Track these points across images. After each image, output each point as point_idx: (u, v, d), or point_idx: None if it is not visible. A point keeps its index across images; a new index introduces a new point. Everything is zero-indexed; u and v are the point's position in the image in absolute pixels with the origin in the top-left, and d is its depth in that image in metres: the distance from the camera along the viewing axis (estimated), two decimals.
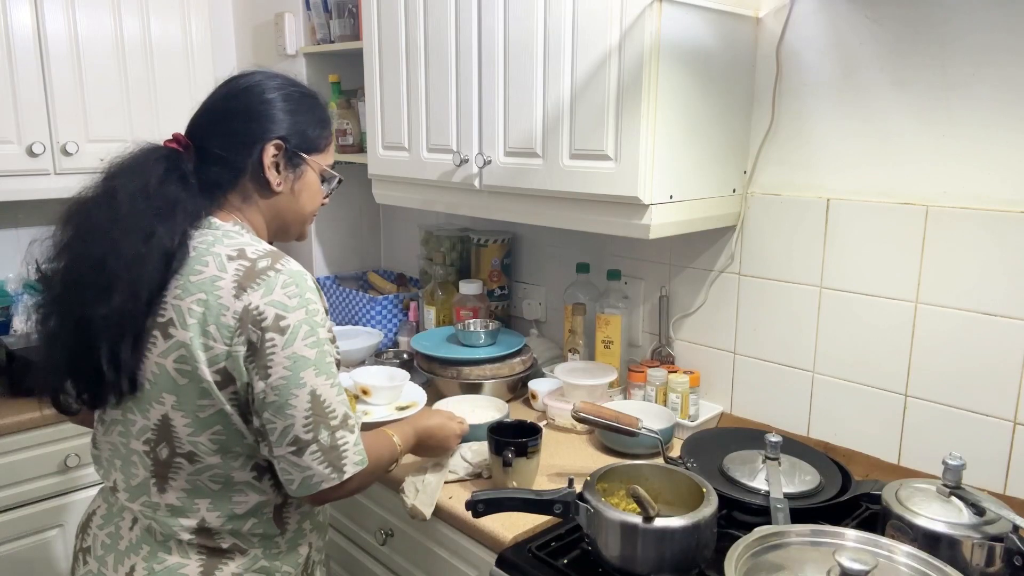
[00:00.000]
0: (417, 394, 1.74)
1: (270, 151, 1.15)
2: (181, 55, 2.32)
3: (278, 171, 1.17)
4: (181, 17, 2.31)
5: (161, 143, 1.16)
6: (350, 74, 2.34)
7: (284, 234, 1.26)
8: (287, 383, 1.04)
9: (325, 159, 1.25)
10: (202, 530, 1.12)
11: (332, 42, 2.35)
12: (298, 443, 1.06)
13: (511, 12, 1.57)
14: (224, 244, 1.09)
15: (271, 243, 1.23)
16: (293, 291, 1.06)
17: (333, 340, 1.13)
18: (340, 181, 1.28)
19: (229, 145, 1.15)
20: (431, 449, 1.45)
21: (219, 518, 1.12)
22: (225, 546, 1.13)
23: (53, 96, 2.09)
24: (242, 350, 1.04)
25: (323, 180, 1.25)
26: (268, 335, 1.04)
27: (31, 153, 2.07)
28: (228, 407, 1.07)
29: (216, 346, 1.04)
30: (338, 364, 1.14)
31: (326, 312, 1.13)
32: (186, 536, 1.12)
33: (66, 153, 2.12)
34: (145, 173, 1.11)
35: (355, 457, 1.10)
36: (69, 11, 2.09)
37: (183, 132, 1.18)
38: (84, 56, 2.13)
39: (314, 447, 1.06)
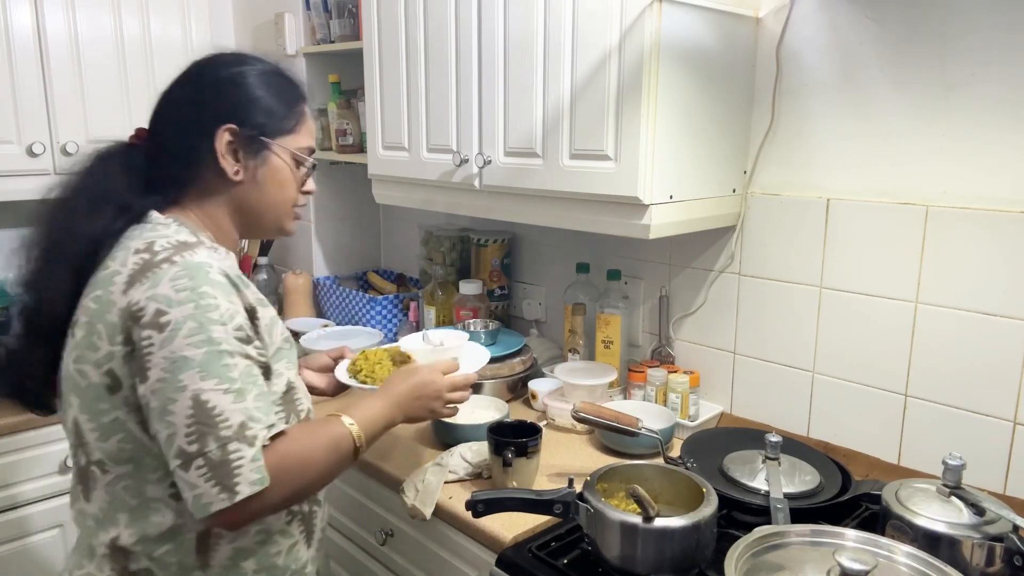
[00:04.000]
0: (476, 358, 1.48)
1: (224, 137, 1.06)
2: (181, 55, 2.27)
3: (237, 158, 1.08)
4: (181, 17, 2.31)
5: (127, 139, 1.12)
6: (350, 74, 2.34)
7: (258, 228, 1.17)
8: (165, 386, 0.94)
9: (296, 141, 1.13)
10: (116, 548, 1.03)
11: (332, 42, 2.35)
12: (183, 456, 0.93)
13: (511, 12, 1.57)
14: (142, 238, 1.02)
15: (242, 238, 1.17)
16: (183, 284, 0.96)
17: (247, 340, 1.00)
18: (314, 166, 1.18)
19: (183, 134, 1.08)
20: (418, 415, 1.26)
21: (132, 536, 1.03)
22: (134, 568, 1.03)
23: (53, 96, 2.09)
24: (124, 350, 0.96)
25: (298, 165, 1.15)
26: (145, 332, 0.94)
27: (31, 153, 2.07)
28: (123, 413, 0.99)
29: (102, 345, 0.97)
30: (266, 370, 1.03)
31: (250, 310, 1.02)
32: (102, 551, 1.04)
33: (66, 153, 2.12)
34: (89, 170, 1.08)
35: (251, 475, 0.93)
36: (69, 11, 2.09)
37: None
38: (84, 56, 2.13)
39: (200, 461, 0.93)
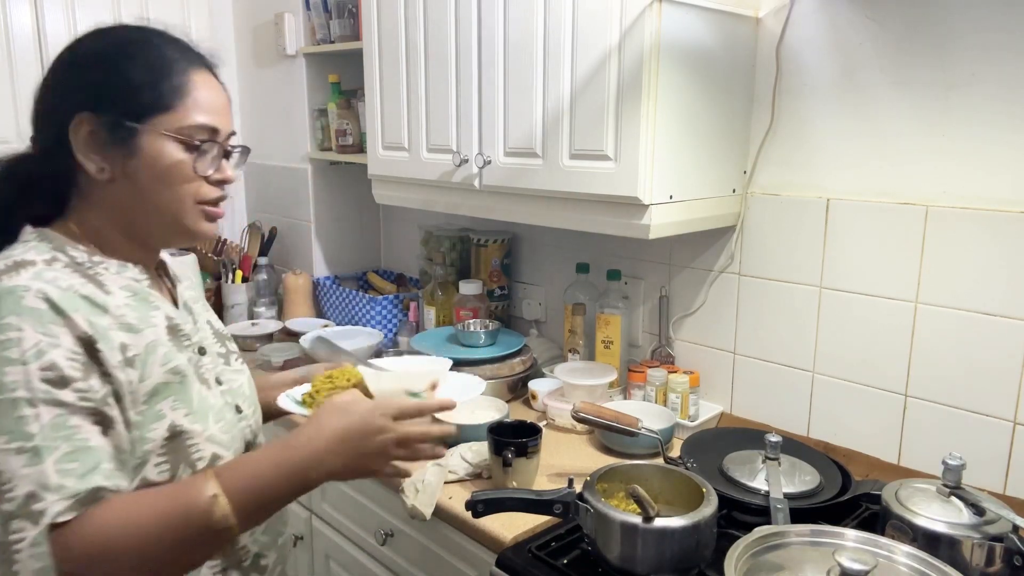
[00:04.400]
0: (461, 392, 1.17)
1: (80, 129, 0.89)
2: None
3: (103, 153, 0.90)
4: (181, 17, 2.32)
5: None
6: (350, 74, 2.34)
7: (155, 234, 0.96)
8: None
9: (179, 119, 0.91)
10: None
11: (332, 42, 2.35)
12: None
13: (511, 12, 1.57)
14: None
15: (154, 248, 1.00)
16: None
17: (62, 383, 0.80)
18: (210, 146, 0.93)
19: (45, 132, 0.94)
20: (352, 472, 0.96)
21: None
22: None
23: None
24: None
25: (187, 148, 0.92)
26: None
27: None
28: None
29: None
30: (102, 418, 0.82)
31: (85, 339, 0.83)
32: None
33: None
34: None
35: (31, 563, 0.76)
36: (69, 11, 2.10)
37: None
38: None
39: None
